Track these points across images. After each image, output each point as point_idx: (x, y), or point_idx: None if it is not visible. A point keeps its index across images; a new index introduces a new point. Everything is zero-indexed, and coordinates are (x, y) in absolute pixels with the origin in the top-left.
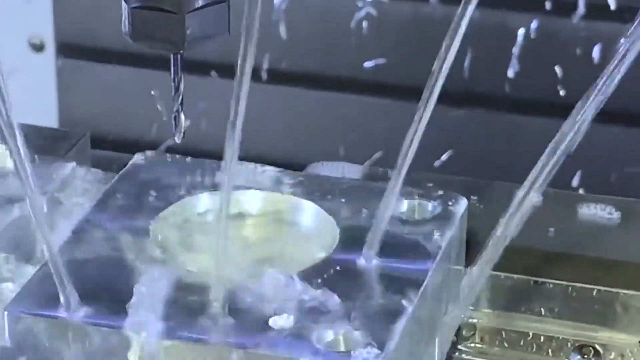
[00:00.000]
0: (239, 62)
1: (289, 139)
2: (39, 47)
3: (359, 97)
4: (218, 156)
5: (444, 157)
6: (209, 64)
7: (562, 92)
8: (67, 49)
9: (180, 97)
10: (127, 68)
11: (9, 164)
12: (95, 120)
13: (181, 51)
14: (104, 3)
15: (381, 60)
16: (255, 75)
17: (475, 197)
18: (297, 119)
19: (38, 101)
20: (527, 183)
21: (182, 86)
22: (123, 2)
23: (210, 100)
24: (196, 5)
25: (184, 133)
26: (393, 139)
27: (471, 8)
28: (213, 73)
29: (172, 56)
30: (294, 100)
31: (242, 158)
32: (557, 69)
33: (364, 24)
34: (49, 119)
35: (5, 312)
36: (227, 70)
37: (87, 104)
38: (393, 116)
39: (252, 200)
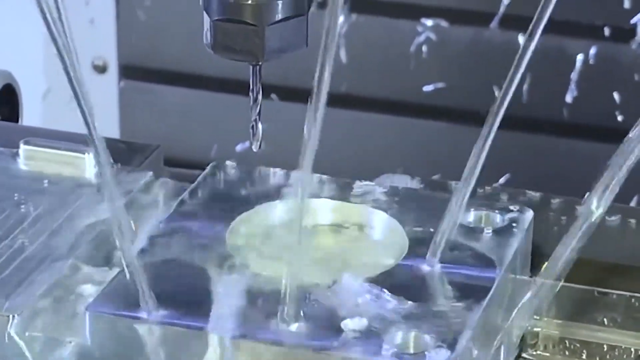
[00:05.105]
0: (316, 78)
1: (346, 161)
2: (101, 69)
3: (418, 121)
4: None
5: (502, 180)
6: (269, 86)
7: (619, 118)
8: (129, 71)
9: (259, 107)
10: (187, 90)
11: (88, 173)
12: (156, 140)
13: (260, 62)
14: (166, 26)
15: (440, 85)
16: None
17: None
18: (356, 141)
19: (100, 121)
20: (592, 198)
21: (260, 97)
22: (205, 15)
23: (270, 122)
24: (276, 19)
25: (260, 142)
26: (451, 162)
27: (536, 39)
28: (273, 95)
29: (251, 67)
30: (353, 123)
31: None
32: (615, 94)
33: (424, 48)
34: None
35: (87, 312)
36: (287, 93)
37: (148, 124)
38: (451, 139)
39: (323, 209)
